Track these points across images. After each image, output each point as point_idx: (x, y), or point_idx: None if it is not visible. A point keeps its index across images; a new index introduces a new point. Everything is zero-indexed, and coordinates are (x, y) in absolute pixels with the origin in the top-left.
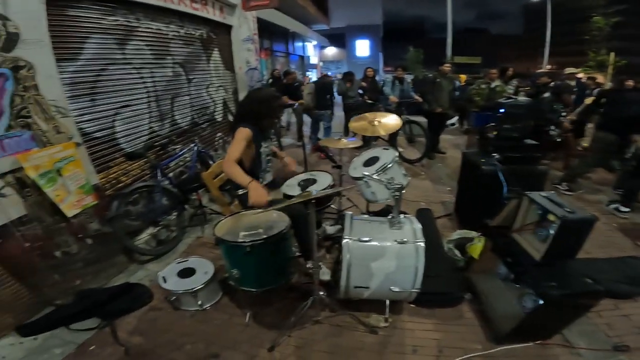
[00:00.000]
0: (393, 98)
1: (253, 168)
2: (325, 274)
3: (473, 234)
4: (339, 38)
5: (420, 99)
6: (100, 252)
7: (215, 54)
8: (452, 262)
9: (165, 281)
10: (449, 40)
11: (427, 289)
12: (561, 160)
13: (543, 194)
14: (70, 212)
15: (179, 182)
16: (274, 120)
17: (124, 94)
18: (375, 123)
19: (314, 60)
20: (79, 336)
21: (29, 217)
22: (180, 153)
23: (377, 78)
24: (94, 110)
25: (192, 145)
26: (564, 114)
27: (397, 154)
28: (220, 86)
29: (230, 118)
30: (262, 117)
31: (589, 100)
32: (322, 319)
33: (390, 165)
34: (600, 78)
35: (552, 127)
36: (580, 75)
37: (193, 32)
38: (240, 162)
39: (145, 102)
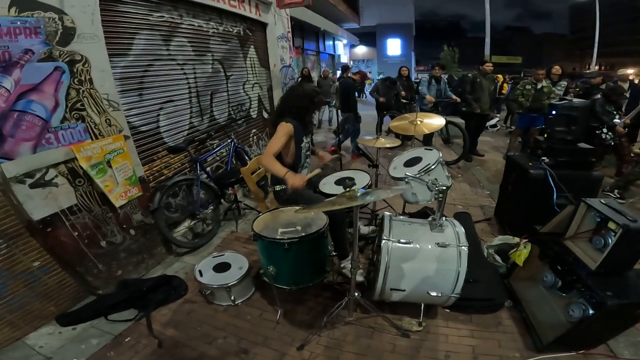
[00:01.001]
0: (430, 98)
1: (292, 163)
2: (359, 275)
3: (515, 239)
4: (370, 37)
5: (458, 99)
6: (142, 243)
7: (252, 51)
8: (492, 268)
9: (201, 275)
10: (487, 39)
11: (465, 294)
12: (613, 166)
13: (602, 200)
14: (118, 203)
15: (216, 177)
16: (314, 115)
17: (168, 89)
18: (417, 122)
19: (344, 59)
20: (115, 327)
21: (79, 206)
22: (218, 148)
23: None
24: (141, 105)
25: (229, 140)
26: (617, 117)
27: (441, 154)
28: (256, 83)
29: (265, 115)
30: (305, 112)
31: None
32: (354, 319)
33: (434, 166)
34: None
35: (605, 131)
36: (632, 77)
37: (231, 29)
38: (279, 158)
39: (187, 98)
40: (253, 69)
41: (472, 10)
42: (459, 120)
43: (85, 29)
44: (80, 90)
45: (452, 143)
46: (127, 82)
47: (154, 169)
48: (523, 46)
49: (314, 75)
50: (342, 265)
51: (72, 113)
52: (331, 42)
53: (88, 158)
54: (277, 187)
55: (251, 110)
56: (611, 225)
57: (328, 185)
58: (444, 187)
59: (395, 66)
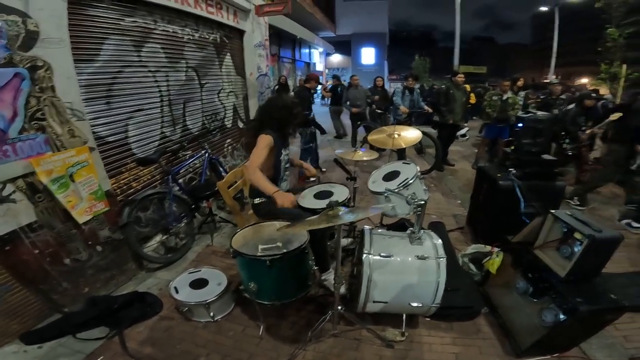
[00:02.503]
0: (404, 109)
1: (272, 176)
2: (342, 286)
3: (488, 248)
4: (345, 45)
5: (430, 110)
6: (110, 259)
7: (228, 59)
8: (468, 276)
9: (177, 292)
10: (457, 50)
11: (445, 303)
12: (573, 174)
13: (568, 212)
14: (81, 219)
15: (190, 189)
16: (295, 127)
17: (138, 97)
18: (395, 136)
19: (319, 66)
20: (87, 346)
21: (40, 223)
22: (191, 159)
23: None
24: (108, 114)
25: (203, 151)
26: (584, 128)
27: (418, 168)
28: (231, 92)
29: (240, 124)
30: (285, 124)
31: (615, 117)
32: (338, 332)
33: (412, 180)
34: (603, 90)
35: (567, 140)
36: (591, 87)
37: (207, 36)
38: None
39: (158, 107)
40: (229, 77)
41: (442, 20)
42: (431, 131)
43: (50, 33)
44: (41, 99)
45: (425, 153)
46: (94, 90)
47: (122, 181)
48: (488, 56)
49: (290, 84)
50: (323, 278)
51: (32, 123)
52: (307, 50)
53: (48, 172)
54: (257, 200)
55: (226, 119)
56: (577, 235)
57: (307, 199)
58: (422, 202)
59: (370, 75)
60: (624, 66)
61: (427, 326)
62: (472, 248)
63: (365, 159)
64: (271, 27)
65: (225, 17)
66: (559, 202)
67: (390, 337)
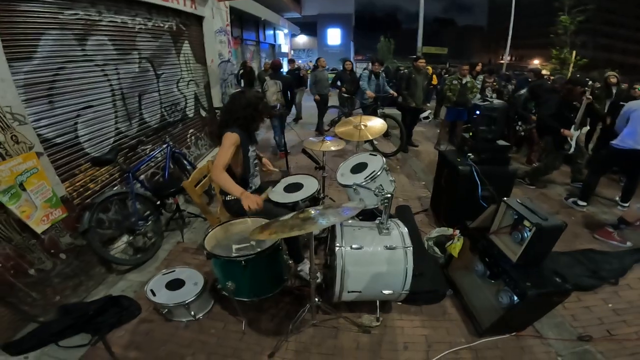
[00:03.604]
0: (370, 93)
1: (242, 174)
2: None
3: (450, 231)
4: (311, 26)
5: (395, 94)
6: (76, 265)
7: (186, 47)
8: (433, 259)
9: (154, 294)
10: (420, 31)
11: (413, 288)
12: (525, 154)
13: (519, 200)
14: (39, 228)
15: (153, 186)
16: (260, 123)
17: (85, 93)
18: (362, 127)
19: (285, 48)
20: (72, 353)
21: None
22: (152, 154)
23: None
24: (52, 114)
25: (164, 145)
26: (533, 111)
27: (384, 160)
28: (191, 80)
29: (203, 113)
30: (251, 121)
31: None
32: (317, 322)
33: (379, 172)
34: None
35: (519, 123)
36: (544, 72)
37: (161, 25)
38: (229, 169)
39: (110, 102)
40: (188, 65)
41: (406, 1)
42: (396, 112)
43: None
44: None
45: (391, 135)
46: (34, 90)
47: (77, 184)
48: (449, 37)
49: (254, 66)
50: (299, 269)
51: None
52: (272, 32)
53: None
54: (228, 197)
55: (187, 109)
56: (526, 223)
57: (278, 193)
58: (389, 195)
59: (336, 56)
60: (574, 52)
61: (398, 310)
62: (436, 232)
63: (332, 148)
64: (233, 10)
65: (182, 4)
66: (511, 185)
67: (366, 323)
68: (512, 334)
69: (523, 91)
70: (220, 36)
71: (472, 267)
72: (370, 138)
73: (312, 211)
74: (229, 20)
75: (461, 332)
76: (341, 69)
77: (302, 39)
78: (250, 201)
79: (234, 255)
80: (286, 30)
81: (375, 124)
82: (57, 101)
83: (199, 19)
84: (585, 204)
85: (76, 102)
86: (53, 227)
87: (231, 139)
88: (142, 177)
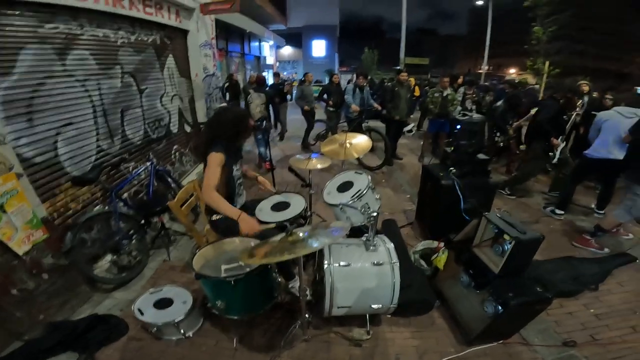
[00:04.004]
0: (355, 107)
1: (226, 193)
2: (307, 292)
3: (435, 244)
4: (296, 38)
5: (379, 107)
6: (60, 284)
7: (170, 61)
8: (420, 271)
9: (142, 313)
10: (403, 42)
11: (401, 300)
12: (505, 164)
13: (498, 214)
14: (20, 250)
15: (137, 205)
16: (245, 140)
17: (66, 110)
18: (347, 145)
19: (270, 60)
20: None
21: None
22: (136, 172)
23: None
24: (32, 132)
25: (148, 162)
26: (510, 122)
27: (369, 178)
28: (176, 95)
29: (188, 129)
30: (235, 138)
31: (534, 111)
32: (309, 337)
33: (365, 191)
34: (530, 79)
35: (498, 134)
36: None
37: (145, 38)
38: None
39: (91, 119)
40: (172, 79)
41: (390, 12)
42: (380, 125)
43: None
44: None
45: (376, 148)
46: (13, 107)
47: (58, 204)
48: (431, 47)
49: (240, 78)
50: (290, 286)
51: None
52: (257, 44)
53: None
54: (214, 217)
55: (171, 124)
56: (506, 236)
57: (264, 211)
58: (375, 213)
59: (321, 67)
60: (547, 63)
61: (388, 323)
62: (421, 244)
63: (319, 166)
64: (218, 22)
65: (166, 17)
66: (492, 197)
67: (357, 337)
68: (500, 341)
69: (500, 102)
70: (205, 50)
71: (458, 278)
72: (357, 156)
73: (301, 233)
74: (214, 33)
75: (450, 342)
76: (326, 81)
77: (287, 51)
78: (248, 226)
79: (223, 275)
80: (271, 42)
81: (360, 142)
82: (37, 119)
83: (184, 33)
84: (562, 212)
85: (56, 119)
86: (35, 248)
87: (217, 158)
88: (125, 195)
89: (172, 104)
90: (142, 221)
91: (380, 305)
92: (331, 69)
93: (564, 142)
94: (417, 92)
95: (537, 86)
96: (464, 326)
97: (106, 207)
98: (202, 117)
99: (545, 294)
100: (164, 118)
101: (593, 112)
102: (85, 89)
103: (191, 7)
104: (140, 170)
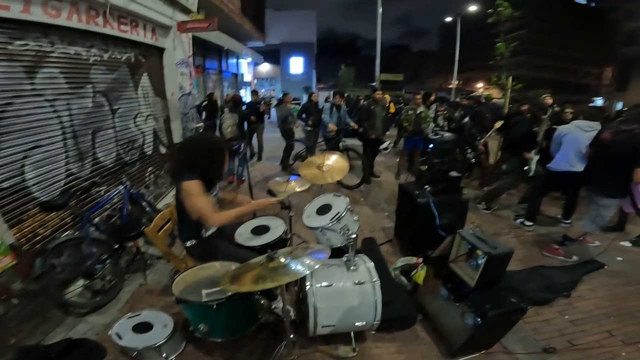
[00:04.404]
0: (332, 126)
1: (198, 220)
2: (290, 313)
3: (414, 259)
4: (274, 55)
5: (356, 126)
6: (31, 309)
7: (145, 80)
8: (401, 287)
9: (120, 338)
10: (378, 59)
11: (384, 316)
12: (477, 179)
13: (470, 230)
14: None
15: (111, 230)
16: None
17: (34, 132)
18: (324, 169)
19: (248, 77)
20: None
21: None
22: (108, 197)
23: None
24: None
25: (121, 186)
26: (478, 137)
27: (348, 200)
28: (150, 115)
29: (163, 150)
30: (211, 167)
31: (498, 124)
32: (295, 357)
33: (344, 213)
34: (495, 94)
35: (469, 150)
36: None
37: (119, 56)
38: (183, 214)
39: (60, 141)
40: (146, 99)
41: (365, 29)
42: (357, 143)
43: None
44: None
45: (353, 167)
46: None
47: (26, 230)
48: (405, 63)
49: (217, 95)
50: (273, 307)
51: None
52: (235, 61)
53: None
54: (189, 243)
55: (145, 146)
56: (479, 252)
57: (244, 235)
58: (354, 235)
59: (298, 84)
60: (510, 78)
61: (373, 339)
62: (401, 261)
63: (297, 189)
64: (196, 39)
65: (142, 35)
66: (465, 212)
67: (343, 355)
68: (482, 352)
69: (466, 119)
70: (181, 68)
71: (438, 292)
72: (336, 180)
73: (283, 259)
74: (191, 51)
75: (435, 355)
76: (304, 99)
77: (265, 68)
78: (260, 205)
79: (204, 300)
80: (249, 59)
81: (338, 164)
82: (3, 141)
83: (160, 51)
84: (531, 223)
85: (24, 141)
86: (4, 274)
87: (195, 187)
88: (97, 220)
89: (147, 124)
90: (116, 246)
91: (364, 323)
92: (309, 87)
93: (538, 155)
94: (392, 109)
95: (501, 100)
96: (447, 338)
97: (77, 233)
98: (177, 137)
99: (519, 304)
100: (137, 139)
101: (554, 126)
102: (55, 109)
103: (168, 25)
104: (113, 194)
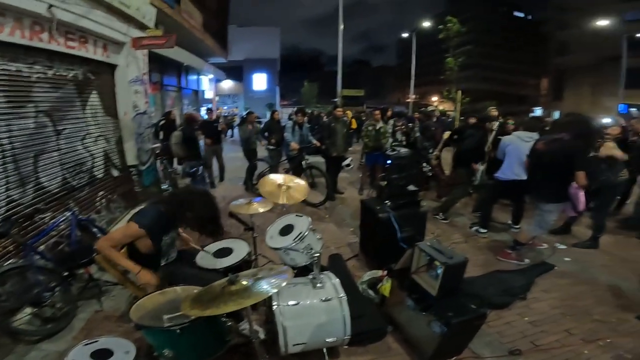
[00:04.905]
0: (294, 145)
1: (152, 255)
2: (260, 333)
3: (380, 272)
4: (237, 71)
5: (318, 144)
6: None
7: (94, 98)
8: (369, 301)
9: None
10: (339, 75)
11: (355, 330)
12: (434, 190)
13: (428, 243)
14: None
15: (59, 258)
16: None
17: None
18: (284, 188)
19: (209, 94)
20: None
21: None
22: (54, 224)
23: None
24: None
25: (68, 213)
26: (430, 150)
27: (310, 220)
28: (100, 136)
29: (115, 173)
30: (188, 224)
31: (445, 135)
32: None
33: (306, 233)
34: (448, 107)
35: (424, 164)
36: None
37: (64, 73)
38: (133, 245)
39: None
40: (96, 119)
41: (328, 45)
42: (320, 160)
43: None
44: None
45: (317, 185)
46: None
47: None
48: (365, 78)
49: (176, 113)
50: (241, 328)
51: None
52: (195, 77)
53: None
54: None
55: (95, 169)
56: (436, 262)
57: (207, 258)
58: (318, 254)
59: (262, 101)
60: (459, 92)
61: (346, 353)
62: (367, 275)
63: (260, 210)
64: (153, 54)
65: (92, 52)
66: (424, 224)
67: None
68: (453, 358)
69: (418, 134)
70: (135, 86)
71: (405, 303)
72: (296, 200)
73: (245, 281)
74: (147, 68)
75: None
76: (267, 116)
77: (227, 84)
78: (146, 279)
79: (166, 325)
80: (211, 76)
81: (298, 185)
82: None
83: (112, 67)
84: (485, 230)
85: None
86: None
87: (131, 230)
88: (42, 248)
89: (96, 145)
90: (66, 273)
91: (335, 338)
92: (273, 104)
93: (483, 166)
94: (354, 125)
95: (452, 113)
96: (418, 348)
97: (20, 261)
98: (131, 159)
99: (479, 310)
100: (86, 162)
101: (499, 137)
102: None
103: (121, 41)
104: (60, 220)
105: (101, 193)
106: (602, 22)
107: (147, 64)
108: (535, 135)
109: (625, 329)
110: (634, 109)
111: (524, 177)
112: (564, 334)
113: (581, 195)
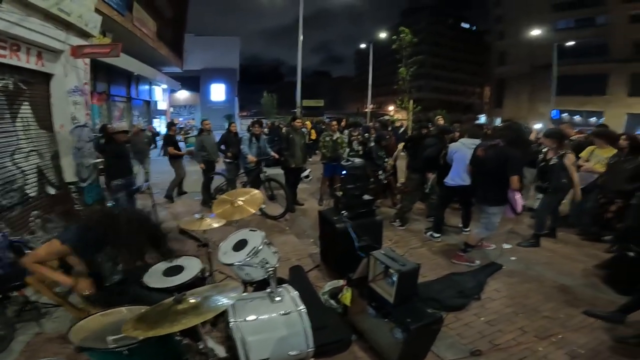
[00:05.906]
0: (251, 158)
1: (92, 275)
2: (220, 352)
3: (341, 282)
4: (193, 81)
5: (277, 156)
6: None
7: (26, 110)
8: (332, 311)
9: None
10: (299, 85)
11: (320, 341)
12: (389, 198)
13: (382, 251)
14: None
15: None
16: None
17: None
18: (238, 204)
19: (162, 105)
20: None
21: None
22: None
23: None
24: None
25: None
26: (386, 159)
27: (264, 234)
28: (33, 151)
29: (51, 191)
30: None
31: (401, 146)
32: None
33: (260, 247)
34: (403, 116)
35: (380, 172)
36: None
37: None
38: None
39: None
40: (27, 132)
41: (288, 56)
42: (279, 172)
43: None
44: None
45: (276, 197)
46: None
47: None
48: (325, 88)
49: (125, 126)
50: (200, 347)
51: None
52: (147, 87)
53: None
54: (86, 292)
55: (27, 186)
56: (391, 270)
57: (155, 277)
58: (274, 267)
59: (220, 112)
60: (411, 102)
61: None
62: (328, 285)
63: (215, 225)
64: (98, 62)
65: (24, 60)
66: (381, 232)
67: None
68: None
69: (372, 143)
70: (74, 96)
71: (366, 311)
72: (252, 212)
73: (193, 300)
74: (87, 78)
75: None
76: (225, 129)
77: (183, 95)
78: (82, 286)
79: (112, 346)
80: (165, 86)
81: (251, 196)
82: None
83: (46, 77)
84: (439, 235)
85: None
86: None
87: (53, 247)
88: None
89: (28, 161)
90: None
91: (299, 352)
92: (232, 115)
93: (435, 173)
94: (313, 136)
95: (404, 122)
96: (383, 355)
97: None
98: (70, 176)
99: (436, 314)
100: (16, 179)
101: (447, 145)
102: None
103: (58, 50)
104: None
105: (35, 212)
106: (535, 32)
107: (89, 73)
108: (478, 142)
109: (574, 324)
110: (566, 114)
111: (470, 182)
112: (519, 332)
113: (518, 198)
